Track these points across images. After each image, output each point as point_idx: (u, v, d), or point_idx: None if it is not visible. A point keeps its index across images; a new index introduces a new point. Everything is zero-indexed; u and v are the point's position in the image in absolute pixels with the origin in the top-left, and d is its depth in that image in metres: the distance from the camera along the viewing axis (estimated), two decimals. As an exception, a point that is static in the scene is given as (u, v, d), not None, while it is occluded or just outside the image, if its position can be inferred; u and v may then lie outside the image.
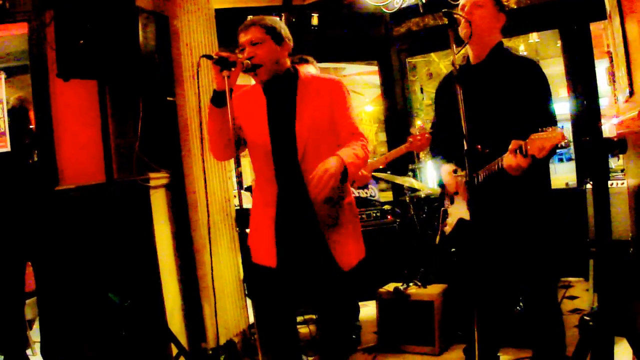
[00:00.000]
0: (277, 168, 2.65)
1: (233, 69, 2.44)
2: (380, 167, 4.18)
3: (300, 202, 2.62)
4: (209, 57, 2.47)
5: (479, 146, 2.58)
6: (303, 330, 4.11)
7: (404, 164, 5.45)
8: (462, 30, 2.69)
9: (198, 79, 2.61)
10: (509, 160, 2.48)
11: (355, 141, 2.63)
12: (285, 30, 2.68)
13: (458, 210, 2.96)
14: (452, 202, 3.04)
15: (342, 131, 2.68)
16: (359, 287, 2.92)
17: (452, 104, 2.62)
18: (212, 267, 3.23)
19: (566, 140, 2.31)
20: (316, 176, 2.40)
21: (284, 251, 2.67)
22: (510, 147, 2.46)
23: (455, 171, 2.90)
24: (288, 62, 2.72)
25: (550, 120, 2.70)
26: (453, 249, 3.17)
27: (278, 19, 2.72)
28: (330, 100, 2.66)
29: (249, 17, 2.68)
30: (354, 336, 4.13)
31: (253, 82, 2.75)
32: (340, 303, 2.84)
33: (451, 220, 3.01)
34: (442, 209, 3.10)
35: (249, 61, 2.53)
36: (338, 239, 2.69)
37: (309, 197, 2.57)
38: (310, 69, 3.83)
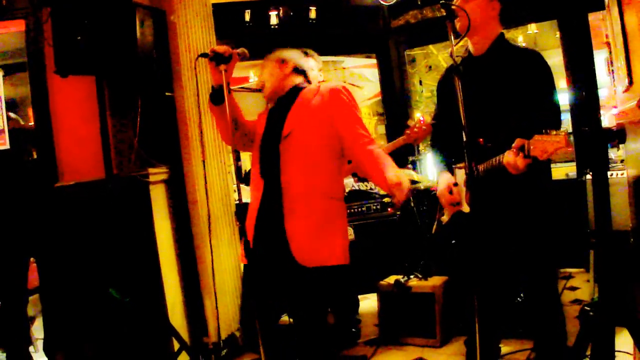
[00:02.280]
0: (262, 167, 2.71)
1: (229, 62, 2.47)
2: None
3: (274, 206, 2.62)
4: (204, 55, 2.50)
5: (481, 139, 2.57)
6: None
7: (404, 156, 5.44)
8: (458, 24, 2.64)
9: (197, 78, 2.62)
10: (509, 158, 2.46)
11: (369, 145, 2.65)
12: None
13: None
14: (450, 193, 3.03)
15: (348, 139, 2.67)
16: (328, 292, 2.79)
17: (454, 97, 2.61)
18: (212, 262, 3.23)
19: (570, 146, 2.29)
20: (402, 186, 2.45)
21: (256, 248, 2.62)
22: (513, 145, 2.45)
23: (454, 163, 2.89)
24: (295, 80, 2.82)
25: (555, 111, 2.68)
26: (453, 241, 3.17)
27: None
28: (329, 108, 2.66)
29: None
30: (353, 329, 4.14)
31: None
32: (303, 300, 2.70)
33: (449, 211, 3.01)
34: None
35: (244, 49, 2.54)
36: (301, 233, 2.60)
37: (281, 200, 2.60)
38: (310, 62, 3.81)
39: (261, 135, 2.76)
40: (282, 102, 2.76)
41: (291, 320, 2.76)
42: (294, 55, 2.86)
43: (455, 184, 2.85)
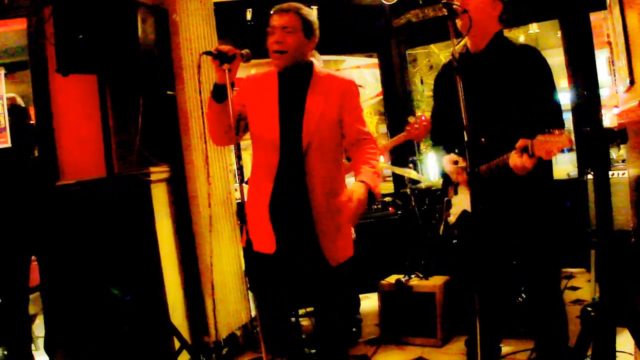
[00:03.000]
0: (282, 158, 2.65)
1: (233, 62, 2.45)
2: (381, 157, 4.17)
3: (297, 193, 2.64)
4: (208, 53, 2.47)
5: (482, 139, 2.57)
6: (305, 322, 4.12)
7: (405, 156, 5.44)
8: (459, 23, 2.64)
9: (199, 76, 2.59)
10: (514, 160, 2.46)
11: (368, 148, 2.72)
12: (316, 25, 2.70)
13: (462, 201, 2.95)
14: (455, 193, 3.03)
15: (351, 133, 2.74)
16: (347, 284, 2.89)
17: (451, 93, 2.60)
18: (211, 261, 3.24)
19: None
20: (351, 207, 2.48)
21: (280, 238, 2.67)
22: (517, 145, 2.45)
23: (456, 162, 2.89)
24: (309, 56, 2.75)
25: (555, 108, 2.68)
26: (455, 241, 3.17)
27: (313, 12, 2.73)
28: (342, 101, 2.70)
29: (288, 3, 2.67)
30: (354, 329, 4.14)
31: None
32: (332, 297, 2.83)
33: (455, 211, 3.00)
34: (446, 199, 3.09)
35: (248, 51, 2.52)
36: (328, 234, 2.69)
37: (307, 189, 2.64)
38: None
39: (272, 127, 2.65)
40: (295, 79, 2.70)
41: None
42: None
43: (456, 162, 2.87)
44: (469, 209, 2.87)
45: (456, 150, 2.92)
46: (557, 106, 2.70)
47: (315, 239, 2.67)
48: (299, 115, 2.64)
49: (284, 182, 2.66)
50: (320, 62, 3.88)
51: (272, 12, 2.65)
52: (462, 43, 2.86)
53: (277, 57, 2.62)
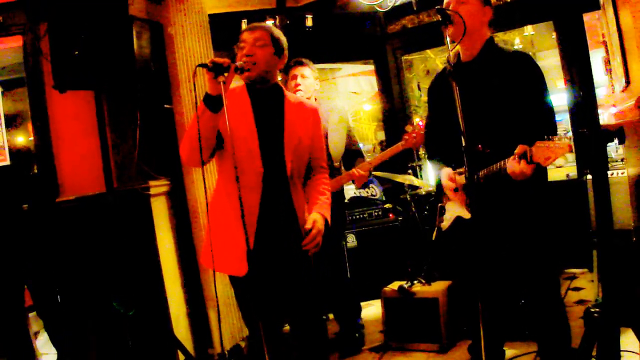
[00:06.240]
0: (265, 180, 2.62)
1: (227, 74, 2.42)
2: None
3: (286, 215, 2.66)
4: (204, 65, 2.44)
5: (480, 146, 2.57)
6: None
7: (404, 162, 5.44)
8: (450, 31, 2.57)
9: (195, 88, 2.58)
10: (513, 166, 2.46)
11: (324, 178, 2.87)
12: (285, 46, 2.72)
13: (455, 208, 2.95)
14: (449, 199, 3.03)
15: (316, 160, 2.84)
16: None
17: (446, 101, 2.60)
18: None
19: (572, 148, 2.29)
20: (312, 237, 2.60)
21: (261, 257, 2.56)
22: (515, 151, 2.45)
23: (454, 168, 2.89)
24: (278, 78, 2.77)
25: (549, 114, 2.69)
26: (454, 246, 3.16)
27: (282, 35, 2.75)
28: (313, 127, 2.78)
29: (259, 22, 2.74)
30: (357, 335, 4.13)
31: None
32: (318, 309, 2.92)
33: (448, 217, 3.00)
34: (439, 205, 3.09)
35: (242, 62, 2.51)
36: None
37: (295, 211, 2.68)
38: (306, 70, 3.84)
39: (251, 140, 2.60)
40: (267, 100, 2.68)
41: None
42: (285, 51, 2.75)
43: (454, 168, 2.87)
44: (462, 215, 2.88)
45: (453, 165, 2.91)
46: (550, 110, 2.70)
47: (307, 258, 2.68)
48: (279, 140, 2.64)
49: (270, 204, 2.63)
50: (314, 71, 3.89)
51: (242, 30, 2.68)
52: (454, 51, 2.86)
53: (247, 72, 2.59)
